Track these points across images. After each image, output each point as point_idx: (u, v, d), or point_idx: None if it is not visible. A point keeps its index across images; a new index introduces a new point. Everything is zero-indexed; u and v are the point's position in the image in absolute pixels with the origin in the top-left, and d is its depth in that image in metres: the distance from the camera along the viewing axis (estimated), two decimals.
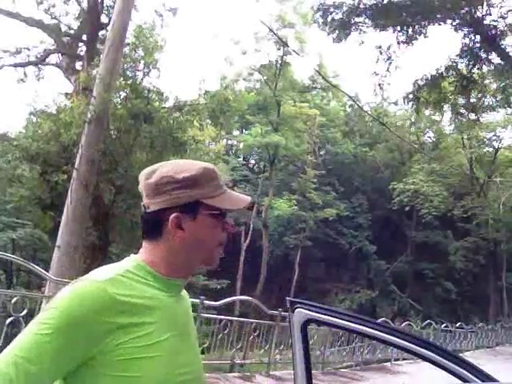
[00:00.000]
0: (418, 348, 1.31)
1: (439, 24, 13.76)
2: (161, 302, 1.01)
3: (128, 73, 11.22)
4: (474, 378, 1.25)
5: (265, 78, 30.42)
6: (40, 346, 0.89)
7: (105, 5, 13.79)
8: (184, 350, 1.04)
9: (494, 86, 16.67)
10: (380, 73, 14.45)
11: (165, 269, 1.05)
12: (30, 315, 5.31)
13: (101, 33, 13.82)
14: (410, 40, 13.74)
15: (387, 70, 14.29)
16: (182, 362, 1.02)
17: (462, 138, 29.11)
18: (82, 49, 14.66)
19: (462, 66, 14.36)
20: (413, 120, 32.76)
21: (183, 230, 1.04)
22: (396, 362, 11.58)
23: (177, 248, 1.05)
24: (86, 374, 0.93)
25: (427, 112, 29.85)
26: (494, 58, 13.77)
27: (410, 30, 13.61)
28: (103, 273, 0.99)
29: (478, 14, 13.06)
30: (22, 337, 0.91)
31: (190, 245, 1.05)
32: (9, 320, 4.93)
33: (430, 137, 35.22)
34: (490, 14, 12.94)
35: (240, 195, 1.12)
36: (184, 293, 1.17)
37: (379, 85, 14.87)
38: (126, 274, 1.00)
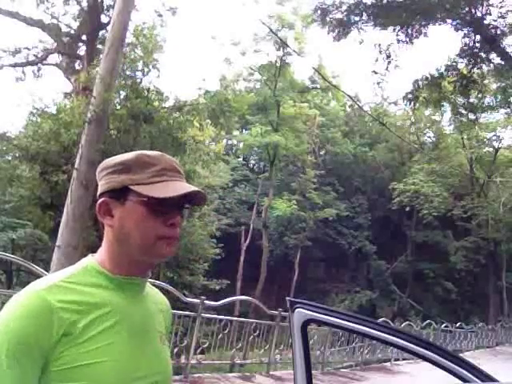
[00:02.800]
0: (418, 348, 1.31)
1: (439, 24, 13.76)
2: (112, 304, 0.96)
3: (128, 73, 11.23)
4: (474, 378, 1.25)
5: (264, 78, 30.42)
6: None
7: (105, 5, 13.79)
8: (141, 353, 0.98)
9: (494, 86, 16.69)
10: (379, 72, 14.46)
11: (111, 266, 0.99)
12: None
13: (101, 33, 13.83)
14: (410, 39, 13.75)
15: (386, 69, 14.29)
16: (138, 366, 0.96)
17: (462, 138, 29.09)
18: (81, 49, 14.67)
19: (461, 65, 14.37)
20: (413, 120, 32.75)
21: (112, 216, 0.99)
22: (396, 362, 11.58)
23: (110, 239, 1.00)
24: None
25: (427, 112, 29.92)
26: (494, 58, 13.79)
27: (409, 30, 13.61)
28: (43, 281, 0.94)
29: (478, 13, 13.06)
30: None
31: (121, 234, 0.98)
32: None
33: (429, 137, 35.21)
34: (490, 14, 12.94)
35: (182, 184, 1.00)
36: (152, 291, 1.11)
37: (378, 83, 14.87)
38: (70, 278, 0.95)
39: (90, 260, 1.02)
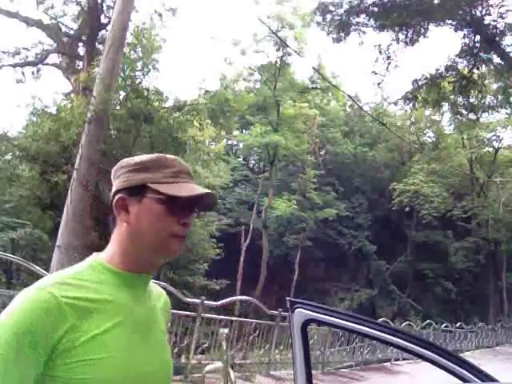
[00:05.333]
0: (418, 348, 1.31)
1: (439, 24, 13.76)
2: (117, 301, 0.98)
3: (128, 73, 11.23)
4: (474, 378, 1.25)
5: (264, 78, 30.42)
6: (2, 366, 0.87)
7: (105, 5, 13.80)
8: (142, 350, 1.00)
9: (494, 86, 16.70)
10: (379, 72, 14.47)
11: (119, 262, 1.02)
12: None
13: (101, 33, 13.84)
14: (409, 40, 13.75)
15: (386, 70, 14.30)
16: (141, 362, 0.99)
17: (462, 138, 29.11)
18: (81, 49, 14.68)
19: (461, 65, 14.36)
20: (413, 120, 32.77)
21: (128, 212, 1.03)
22: (396, 362, 11.59)
23: (124, 234, 1.03)
24: (41, 381, 0.91)
25: (427, 112, 29.92)
26: (494, 58, 13.79)
27: (409, 31, 13.61)
28: (51, 278, 0.97)
29: (478, 14, 13.06)
30: None
31: (135, 229, 1.02)
32: None
33: (429, 137, 35.23)
34: (490, 14, 12.94)
35: (195, 186, 1.06)
36: (154, 289, 1.14)
37: (378, 84, 14.88)
38: (77, 275, 0.98)
39: (96, 257, 1.05)
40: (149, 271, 1.07)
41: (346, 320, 1.39)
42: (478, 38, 13.55)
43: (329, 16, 13.44)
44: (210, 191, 1.06)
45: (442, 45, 19.80)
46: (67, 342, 0.90)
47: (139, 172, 1.04)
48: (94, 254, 1.07)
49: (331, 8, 13.35)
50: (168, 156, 1.09)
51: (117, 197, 1.04)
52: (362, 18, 13.51)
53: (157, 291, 1.17)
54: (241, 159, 36.49)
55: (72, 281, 0.96)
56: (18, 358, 0.87)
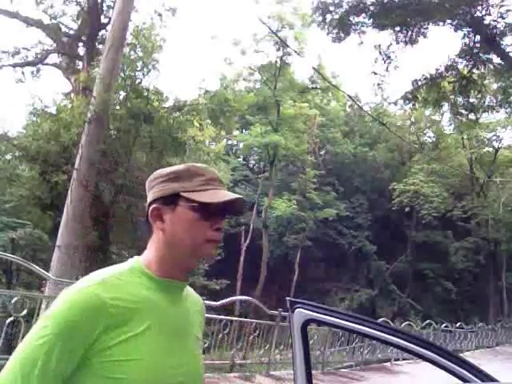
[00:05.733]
0: (418, 348, 1.31)
1: (439, 24, 13.75)
2: (154, 305, 1.03)
3: (128, 73, 11.23)
4: (474, 378, 1.25)
5: (264, 78, 30.42)
6: (39, 354, 0.92)
7: (104, 5, 13.80)
8: (177, 353, 1.05)
9: (495, 86, 16.69)
10: (379, 73, 14.47)
11: (156, 268, 1.07)
12: (30, 315, 5.31)
13: (101, 33, 13.84)
14: (409, 40, 13.74)
15: (386, 70, 14.31)
16: (174, 364, 1.03)
17: (462, 138, 29.10)
18: (81, 49, 14.68)
19: (461, 65, 14.36)
20: (413, 120, 32.77)
21: (163, 221, 1.08)
22: (396, 362, 11.58)
23: (161, 242, 1.08)
24: (75, 376, 0.96)
25: (427, 112, 29.93)
26: (494, 58, 13.78)
27: (409, 31, 13.61)
28: (96, 277, 1.01)
29: (478, 13, 13.06)
30: (22, 347, 0.95)
31: (171, 236, 1.07)
32: (9, 320, 4.93)
33: (429, 137, 35.23)
34: (490, 14, 12.93)
35: (225, 192, 1.11)
36: (190, 295, 1.19)
37: (378, 84, 14.87)
38: (120, 276, 1.03)
39: (137, 261, 1.10)
40: (183, 277, 1.12)
41: (346, 320, 1.39)
42: (478, 38, 13.55)
43: (328, 16, 13.44)
44: (239, 196, 1.11)
45: (441, 45, 19.84)
46: (104, 341, 0.95)
47: (172, 182, 1.09)
48: (136, 257, 1.12)
49: (331, 8, 13.35)
50: (198, 165, 1.14)
51: (152, 207, 1.09)
52: (362, 18, 13.51)
53: (194, 297, 1.22)
54: (241, 159, 36.49)
55: (114, 281, 1.01)
56: (57, 352, 0.92)
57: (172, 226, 1.07)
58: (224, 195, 1.08)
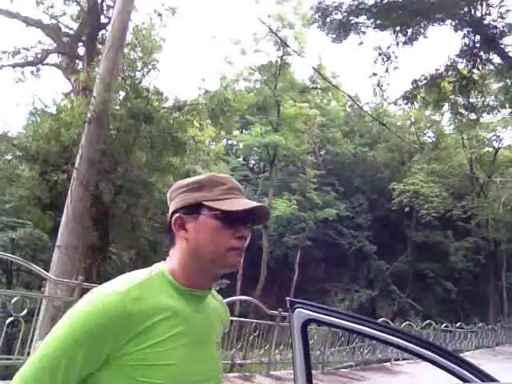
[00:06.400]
0: (418, 348, 1.31)
1: (439, 24, 13.75)
2: (178, 311, 1.04)
3: (128, 73, 11.23)
4: (474, 378, 1.25)
5: (264, 78, 30.42)
6: (63, 355, 0.95)
7: (104, 5, 13.79)
8: (200, 359, 1.07)
9: (495, 86, 16.67)
10: (379, 73, 14.45)
11: (180, 276, 1.09)
12: (30, 315, 5.31)
13: (101, 33, 13.83)
14: (409, 40, 13.74)
15: (386, 71, 14.29)
16: (197, 371, 1.06)
17: (462, 138, 29.09)
18: (81, 49, 14.66)
19: (461, 65, 14.36)
20: (413, 120, 32.77)
21: (186, 230, 1.09)
22: (396, 362, 11.58)
23: (184, 251, 1.10)
24: (100, 376, 0.99)
25: (427, 112, 29.90)
26: (494, 58, 13.78)
27: (409, 31, 13.60)
28: (122, 282, 1.03)
29: (478, 14, 13.05)
30: (48, 346, 0.96)
31: (195, 245, 1.08)
32: (9, 320, 4.93)
33: (430, 137, 35.24)
34: (490, 14, 12.92)
35: (247, 201, 1.12)
36: (214, 300, 1.21)
37: (378, 85, 14.86)
38: (146, 282, 1.04)
39: (162, 267, 1.11)
40: (208, 285, 1.13)
41: (346, 320, 1.39)
42: (477, 37, 13.54)
43: (328, 17, 13.42)
44: (261, 204, 1.12)
45: (441, 45, 19.84)
46: (132, 346, 0.97)
47: (194, 191, 1.11)
48: (162, 262, 1.14)
49: (330, 8, 13.34)
50: (219, 175, 1.16)
51: (175, 216, 1.11)
52: (362, 18, 13.50)
53: (217, 302, 1.23)
54: (241, 159, 36.49)
55: (141, 287, 1.02)
56: (82, 354, 0.95)
57: (195, 235, 1.08)
58: (245, 203, 1.10)
